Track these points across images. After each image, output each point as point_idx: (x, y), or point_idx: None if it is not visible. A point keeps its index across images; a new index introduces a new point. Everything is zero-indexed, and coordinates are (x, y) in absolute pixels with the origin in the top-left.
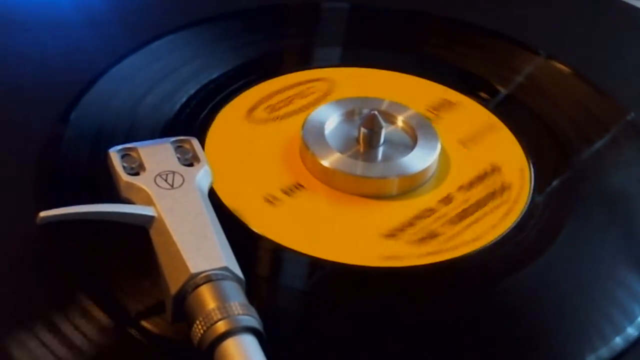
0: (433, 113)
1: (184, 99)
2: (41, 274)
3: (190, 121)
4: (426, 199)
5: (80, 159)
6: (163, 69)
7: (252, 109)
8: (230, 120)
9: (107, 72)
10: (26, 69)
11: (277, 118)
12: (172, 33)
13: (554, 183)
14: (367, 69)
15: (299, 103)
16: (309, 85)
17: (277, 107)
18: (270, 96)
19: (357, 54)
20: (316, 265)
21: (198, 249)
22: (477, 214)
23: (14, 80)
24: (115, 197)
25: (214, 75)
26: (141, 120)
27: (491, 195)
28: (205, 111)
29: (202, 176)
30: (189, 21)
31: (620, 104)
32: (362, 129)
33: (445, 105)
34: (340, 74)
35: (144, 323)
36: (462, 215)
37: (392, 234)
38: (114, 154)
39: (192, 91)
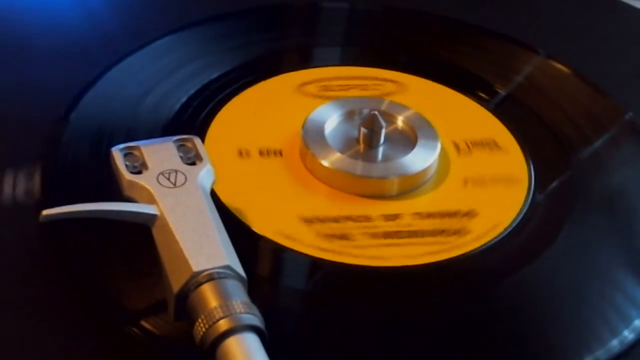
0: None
1: (184, 99)
2: (41, 274)
3: (191, 121)
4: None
5: (80, 159)
6: (163, 69)
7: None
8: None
9: (107, 72)
10: (26, 69)
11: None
12: (172, 33)
13: (554, 183)
14: (367, 67)
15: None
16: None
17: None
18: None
19: (356, 54)
20: (316, 265)
21: (200, 247)
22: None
23: (14, 80)
24: (115, 197)
25: (214, 75)
26: (141, 121)
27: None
28: (205, 111)
29: (205, 175)
30: (189, 21)
31: (619, 104)
32: (362, 129)
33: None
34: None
35: (144, 323)
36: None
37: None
38: (117, 152)
39: (192, 91)
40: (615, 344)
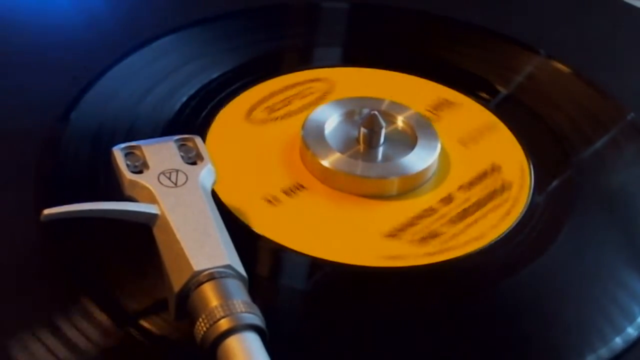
0: (433, 113)
1: (184, 99)
2: (41, 274)
3: (190, 121)
4: (426, 199)
5: (80, 159)
6: (163, 69)
7: (252, 109)
8: (230, 120)
9: (107, 72)
10: (26, 69)
11: (277, 118)
12: (172, 33)
13: (554, 183)
14: (367, 68)
15: (298, 103)
16: (308, 85)
17: (276, 107)
18: (269, 96)
19: (356, 54)
20: (316, 265)
21: (201, 247)
22: (477, 214)
23: (14, 80)
24: (115, 197)
25: (214, 75)
26: (141, 121)
27: (491, 195)
28: (205, 111)
29: (206, 174)
30: (189, 21)
31: (620, 104)
32: (362, 129)
33: (445, 105)
34: (339, 74)
35: (144, 323)
36: (463, 215)
37: (392, 234)
38: (118, 152)
39: (192, 91)
40: (618, 341)
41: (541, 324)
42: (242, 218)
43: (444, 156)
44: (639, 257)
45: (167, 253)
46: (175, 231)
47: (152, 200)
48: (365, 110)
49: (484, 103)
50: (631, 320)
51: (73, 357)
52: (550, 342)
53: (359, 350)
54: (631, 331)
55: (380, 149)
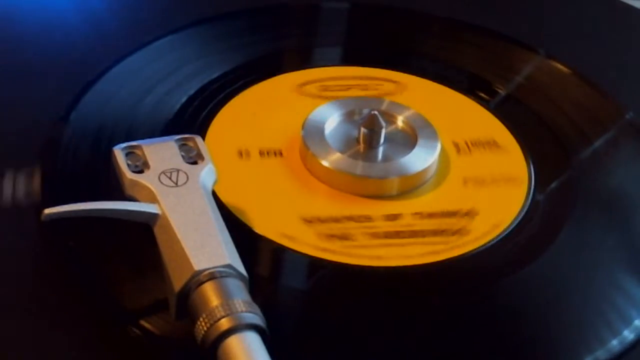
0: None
1: (184, 99)
2: (41, 274)
3: (191, 121)
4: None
5: (80, 158)
6: (163, 69)
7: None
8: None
9: (107, 72)
10: (26, 69)
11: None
12: (172, 33)
13: (554, 183)
14: (366, 67)
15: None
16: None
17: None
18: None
19: (356, 54)
20: (317, 265)
21: (202, 246)
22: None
23: (14, 80)
24: (115, 197)
25: (214, 75)
26: (141, 121)
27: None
28: (205, 111)
29: (206, 174)
30: (189, 21)
31: (619, 104)
32: (362, 129)
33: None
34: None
35: (144, 323)
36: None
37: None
38: (119, 151)
39: (192, 91)
40: (615, 344)
41: (538, 325)
42: (242, 218)
43: (444, 156)
44: (638, 258)
45: (168, 253)
46: (176, 231)
47: (153, 199)
48: (366, 110)
49: (484, 103)
50: (628, 323)
51: (73, 356)
52: (547, 343)
53: (359, 350)
54: (628, 334)
55: (381, 149)
